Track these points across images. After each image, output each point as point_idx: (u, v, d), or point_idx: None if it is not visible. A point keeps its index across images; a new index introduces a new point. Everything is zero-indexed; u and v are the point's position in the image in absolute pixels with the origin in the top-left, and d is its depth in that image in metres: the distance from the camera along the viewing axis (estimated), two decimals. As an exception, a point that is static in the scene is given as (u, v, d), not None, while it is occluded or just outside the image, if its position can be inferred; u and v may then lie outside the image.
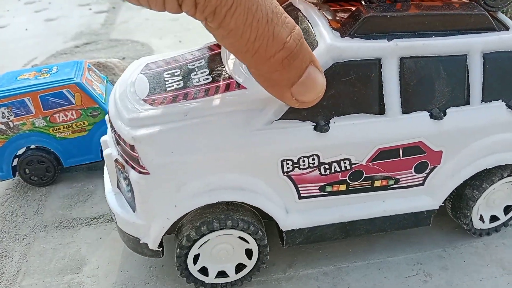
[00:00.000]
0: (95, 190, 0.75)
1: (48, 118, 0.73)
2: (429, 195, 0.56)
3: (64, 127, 0.74)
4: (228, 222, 0.51)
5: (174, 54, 0.60)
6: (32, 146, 0.75)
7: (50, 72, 0.74)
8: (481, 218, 0.61)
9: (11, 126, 0.72)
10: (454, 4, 0.54)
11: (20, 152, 0.75)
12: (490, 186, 0.57)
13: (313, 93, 0.44)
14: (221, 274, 0.56)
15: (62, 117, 0.73)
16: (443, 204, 0.57)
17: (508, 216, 0.63)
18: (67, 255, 0.63)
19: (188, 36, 1.31)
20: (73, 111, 0.73)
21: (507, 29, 0.53)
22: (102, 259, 0.62)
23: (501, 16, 0.55)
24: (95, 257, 0.63)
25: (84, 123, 0.74)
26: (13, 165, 0.75)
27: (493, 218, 0.62)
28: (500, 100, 0.53)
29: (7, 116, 0.71)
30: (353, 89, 0.49)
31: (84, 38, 1.39)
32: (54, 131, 0.74)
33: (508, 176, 0.57)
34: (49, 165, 0.75)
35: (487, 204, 0.60)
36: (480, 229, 0.62)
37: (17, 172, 0.76)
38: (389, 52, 0.49)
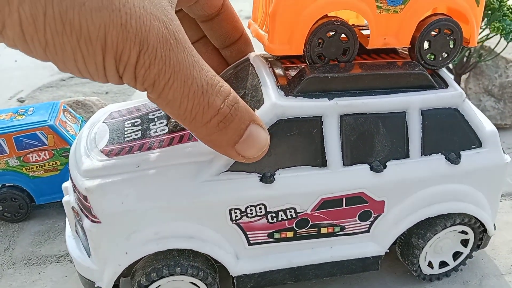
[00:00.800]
0: (65, 228, 0.77)
1: (21, 158, 0.76)
2: (374, 242, 0.59)
3: (37, 167, 0.77)
4: (177, 269, 0.53)
5: (137, 103, 0.64)
6: (6, 184, 0.78)
7: (26, 114, 0.78)
8: (430, 264, 0.64)
9: None
10: (397, 62, 0.58)
11: (-6, 189, 0.78)
12: (434, 235, 0.59)
13: (256, 148, 0.47)
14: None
15: (35, 157, 0.76)
16: (388, 251, 0.60)
17: (457, 261, 0.65)
18: (33, 293, 0.65)
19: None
20: (46, 152, 0.76)
21: (446, 86, 0.57)
22: (66, 298, 0.64)
23: (443, 73, 0.59)
24: (60, 296, 0.65)
25: (56, 163, 0.77)
26: None
27: (443, 264, 0.65)
28: (440, 153, 0.57)
29: None
30: (296, 144, 0.53)
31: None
32: (27, 170, 0.77)
33: (451, 225, 0.59)
34: (22, 202, 0.78)
35: (435, 251, 0.63)
36: (430, 274, 0.64)
37: None
38: (330, 110, 0.52)
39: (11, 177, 0.77)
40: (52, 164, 0.77)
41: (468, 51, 0.94)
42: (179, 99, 0.41)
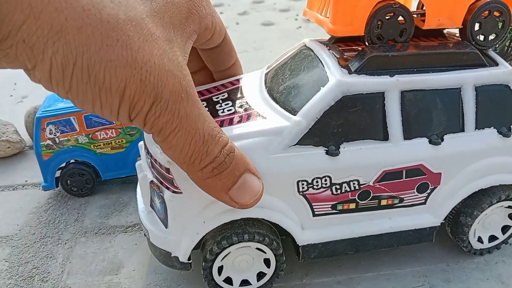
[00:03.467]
0: (129, 202, 0.83)
1: (90, 136, 0.82)
2: (431, 213, 0.62)
3: (104, 144, 0.83)
4: (245, 236, 0.57)
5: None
6: (73, 160, 0.84)
7: None
8: (480, 239, 0.67)
9: (57, 141, 0.82)
10: (449, 43, 0.61)
11: (63, 165, 0.84)
12: (481, 213, 0.62)
13: (249, 196, 0.51)
14: (244, 283, 0.61)
15: (103, 135, 0.82)
16: (444, 221, 0.63)
17: (507, 234, 0.68)
18: (106, 258, 0.70)
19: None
20: (113, 130, 0.82)
21: (497, 64, 0.60)
22: (137, 262, 0.69)
23: (491, 53, 0.62)
24: (132, 261, 0.69)
25: (122, 141, 0.83)
26: (56, 176, 0.84)
27: (493, 238, 0.68)
28: (492, 127, 0.60)
29: (54, 133, 0.81)
30: (360, 119, 0.56)
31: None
32: (95, 147, 0.83)
33: (497, 202, 0.62)
34: (88, 178, 0.84)
35: (483, 227, 0.66)
36: (480, 249, 0.67)
37: (59, 183, 0.85)
38: (391, 86, 0.56)
39: (79, 153, 0.83)
40: (118, 142, 0.82)
41: (510, 41, 0.97)
42: (181, 146, 0.45)
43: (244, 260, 0.60)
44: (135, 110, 0.42)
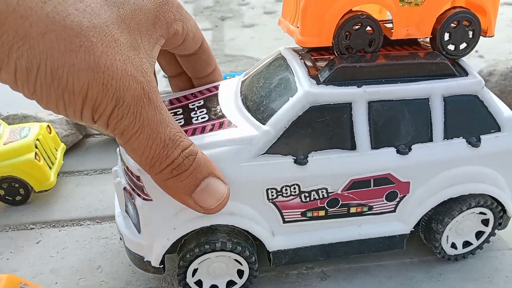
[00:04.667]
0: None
1: None
2: (400, 221, 0.63)
3: None
4: (228, 245, 0.58)
5: (175, 95, 0.69)
6: None
7: None
8: (454, 245, 0.67)
9: None
10: (419, 53, 0.62)
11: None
12: (451, 219, 0.63)
13: (213, 199, 0.52)
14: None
15: None
16: (413, 229, 0.64)
17: (480, 240, 0.69)
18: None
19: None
20: None
21: (466, 74, 0.61)
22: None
23: (463, 63, 0.63)
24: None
25: None
26: None
27: (467, 243, 0.68)
28: (461, 137, 0.60)
29: None
30: (327, 128, 0.57)
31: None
32: None
33: (467, 209, 0.63)
34: None
35: (456, 233, 0.67)
36: (454, 254, 0.68)
37: None
38: (358, 97, 0.57)
39: None
40: None
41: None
42: (143, 148, 0.47)
43: (219, 267, 0.62)
44: (97, 112, 0.44)
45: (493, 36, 0.63)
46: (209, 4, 1.87)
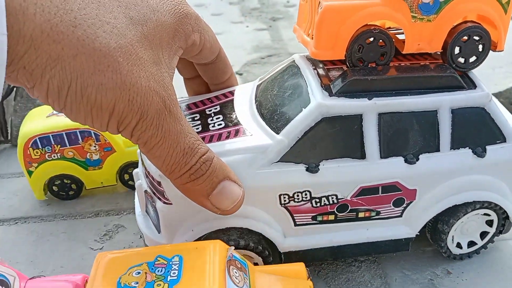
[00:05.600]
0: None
1: None
2: (406, 225, 0.66)
3: None
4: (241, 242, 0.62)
5: (193, 99, 0.72)
6: None
7: None
8: (459, 245, 0.71)
9: None
10: (430, 65, 0.64)
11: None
12: (457, 221, 0.66)
13: (229, 202, 0.55)
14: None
15: None
16: (419, 233, 0.67)
17: (485, 240, 0.72)
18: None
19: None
20: None
21: (475, 87, 0.63)
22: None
23: (472, 75, 0.65)
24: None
25: None
26: None
27: (472, 243, 0.71)
28: (467, 147, 0.63)
29: None
30: (339, 138, 0.60)
31: (265, 51, 1.48)
32: None
33: (472, 211, 0.66)
34: None
35: (461, 233, 0.69)
36: (459, 254, 0.71)
37: None
38: (369, 109, 0.59)
39: None
40: None
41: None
42: (164, 157, 0.51)
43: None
44: (123, 124, 0.48)
45: (503, 50, 0.65)
46: (255, 5, 1.88)
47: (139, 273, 0.50)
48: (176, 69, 0.72)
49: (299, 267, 0.58)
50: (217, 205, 0.55)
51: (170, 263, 0.51)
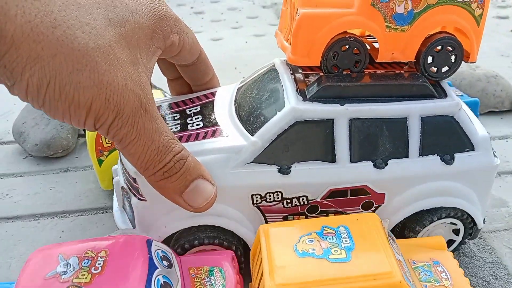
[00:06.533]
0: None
1: None
2: (375, 228, 0.68)
3: None
4: (216, 241, 0.64)
5: (175, 99, 0.74)
6: None
7: None
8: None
9: None
10: (404, 74, 0.66)
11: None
12: (423, 228, 0.68)
13: (201, 199, 0.57)
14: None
15: None
16: (388, 236, 0.69)
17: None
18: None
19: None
20: None
21: (446, 96, 0.65)
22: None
23: (444, 84, 0.67)
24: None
25: None
26: None
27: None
28: (436, 154, 0.65)
29: None
30: (310, 142, 0.62)
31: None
32: None
33: (438, 219, 0.68)
34: None
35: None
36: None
37: None
38: (341, 114, 0.61)
39: None
40: None
41: None
42: (139, 154, 0.53)
43: None
44: (99, 121, 0.49)
45: (475, 61, 0.67)
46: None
47: (311, 241, 0.54)
48: (160, 70, 0.74)
49: (439, 239, 0.66)
50: (190, 202, 0.57)
51: (338, 232, 0.56)
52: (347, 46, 0.62)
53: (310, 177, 0.63)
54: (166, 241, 0.65)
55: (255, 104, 0.66)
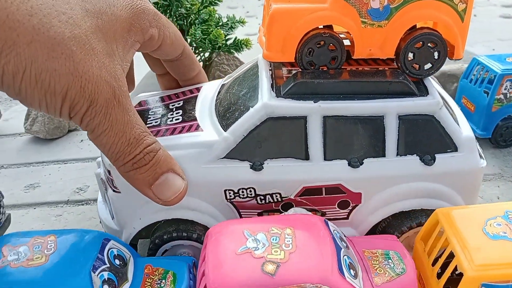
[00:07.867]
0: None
1: None
2: (353, 228, 0.67)
3: None
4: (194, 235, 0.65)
5: (163, 93, 0.75)
6: None
7: None
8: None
9: (508, 96, 0.95)
10: (384, 70, 0.64)
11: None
12: (401, 235, 0.66)
13: (170, 193, 0.57)
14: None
15: None
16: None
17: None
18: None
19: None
20: None
21: (427, 94, 0.63)
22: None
23: (427, 82, 0.65)
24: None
25: None
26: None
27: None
28: (415, 154, 0.63)
29: (508, 89, 0.94)
30: (283, 138, 0.62)
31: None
32: None
33: (417, 226, 0.65)
34: None
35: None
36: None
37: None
38: (314, 111, 0.61)
39: None
40: None
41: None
42: (110, 145, 0.53)
43: (186, 252, 0.69)
44: (74, 110, 0.50)
45: (461, 58, 0.64)
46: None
47: (499, 225, 0.55)
48: (148, 65, 0.75)
49: None
50: (159, 195, 0.58)
51: None
52: (322, 42, 0.61)
53: (283, 174, 0.62)
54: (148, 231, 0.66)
55: (233, 100, 0.66)
